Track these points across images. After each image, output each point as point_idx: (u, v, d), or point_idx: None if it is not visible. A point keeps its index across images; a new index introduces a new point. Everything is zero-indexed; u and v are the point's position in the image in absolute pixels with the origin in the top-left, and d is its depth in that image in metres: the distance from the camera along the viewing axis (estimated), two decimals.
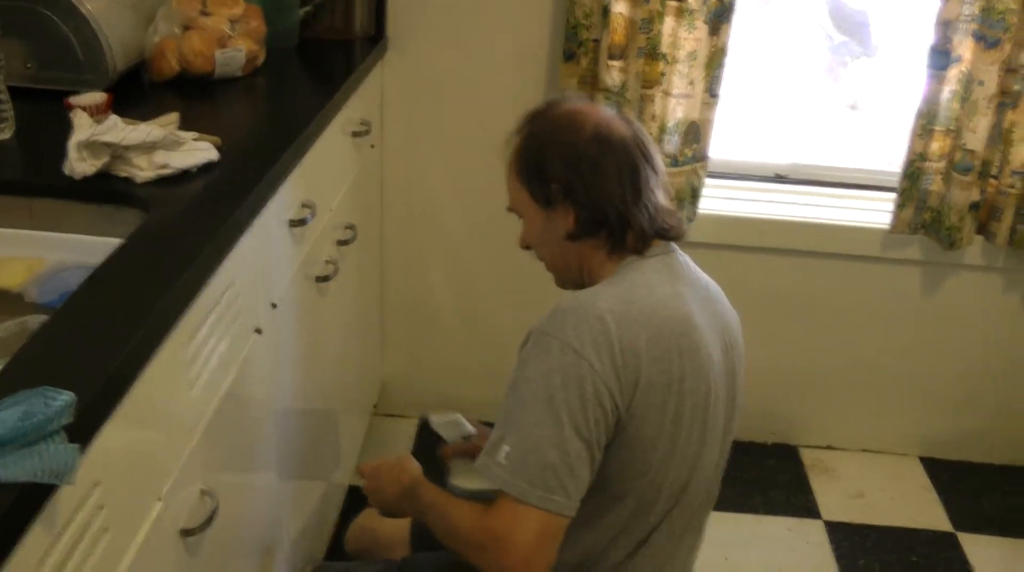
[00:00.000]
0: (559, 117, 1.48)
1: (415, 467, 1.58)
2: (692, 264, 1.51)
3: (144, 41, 1.96)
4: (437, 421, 1.77)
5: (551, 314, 1.36)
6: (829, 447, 2.91)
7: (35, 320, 1.22)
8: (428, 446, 1.80)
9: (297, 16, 2.27)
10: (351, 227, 2.15)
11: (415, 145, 2.57)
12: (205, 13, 2.00)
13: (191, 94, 1.96)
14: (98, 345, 1.06)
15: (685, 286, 1.44)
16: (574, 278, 1.51)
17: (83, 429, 0.95)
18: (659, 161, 1.47)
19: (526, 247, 1.54)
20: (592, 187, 1.42)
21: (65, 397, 0.91)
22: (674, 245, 1.49)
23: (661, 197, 1.46)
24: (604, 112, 1.48)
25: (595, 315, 1.33)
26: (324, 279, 1.94)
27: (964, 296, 2.66)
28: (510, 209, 1.54)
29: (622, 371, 1.31)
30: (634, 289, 1.38)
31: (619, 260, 1.45)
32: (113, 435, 1.03)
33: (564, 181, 1.43)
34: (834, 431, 2.91)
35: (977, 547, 2.56)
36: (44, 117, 1.73)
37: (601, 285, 1.42)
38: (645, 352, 1.32)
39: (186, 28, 1.97)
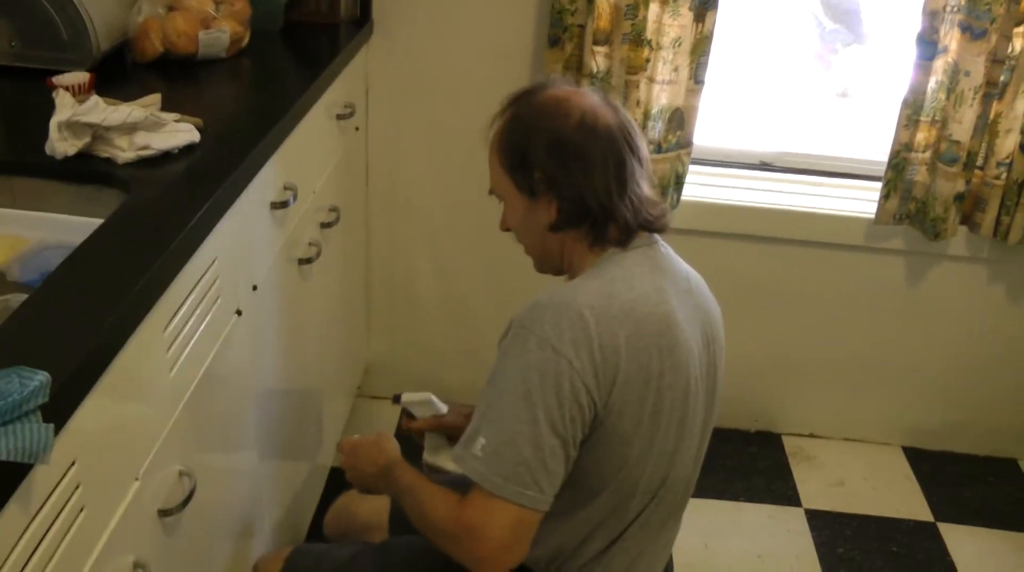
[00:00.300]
0: (544, 102, 1.43)
1: (394, 447, 1.58)
2: (674, 256, 1.50)
3: (128, 21, 1.95)
4: (408, 400, 1.78)
5: (531, 308, 1.35)
6: (811, 435, 2.92)
7: (16, 299, 1.21)
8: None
9: None
10: (335, 210, 2.15)
11: (400, 128, 2.57)
12: None
13: (175, 75, 1.95)
14: (76, 325, 1.06)
15: (666, 280, 1.43)
16: (554, 265, 1.50)
17: (59, 408, 0.96)
18: (644, 150, 1.45)
19: (506, 229, 1.53)
20: (576, 179, 1.39)
21: (40, 377, 0.91)
22: (657, 236, 1.48)
23: (646, 188, 1.44)
24: (591, 99, 1.43)
25: (575, 311, 1.32)
26: (307, 261, 1.94)
27: (948, 287, 2.67)
28: (492, 192, 1.52)
29: (600, 368, 1.30)
30: (614, 284, 1.37)
31: (600, 252, 1.43)
32: (90, 414, 1.04)
33: (547, 171, 1.40)
34: (816, 419, 2.92)
35: (958, 537, 2.57)
36: (27, 96, 1.73)
37: (581, 278, 1.41)
38: (624, 348, 1.32)
39: (170, 9, 1.96)
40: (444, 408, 1.77)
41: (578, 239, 1.44)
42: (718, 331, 1.51)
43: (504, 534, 1.29)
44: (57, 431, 0.94)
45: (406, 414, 1.80)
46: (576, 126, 1.39)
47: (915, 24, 2.32)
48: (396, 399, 1.79)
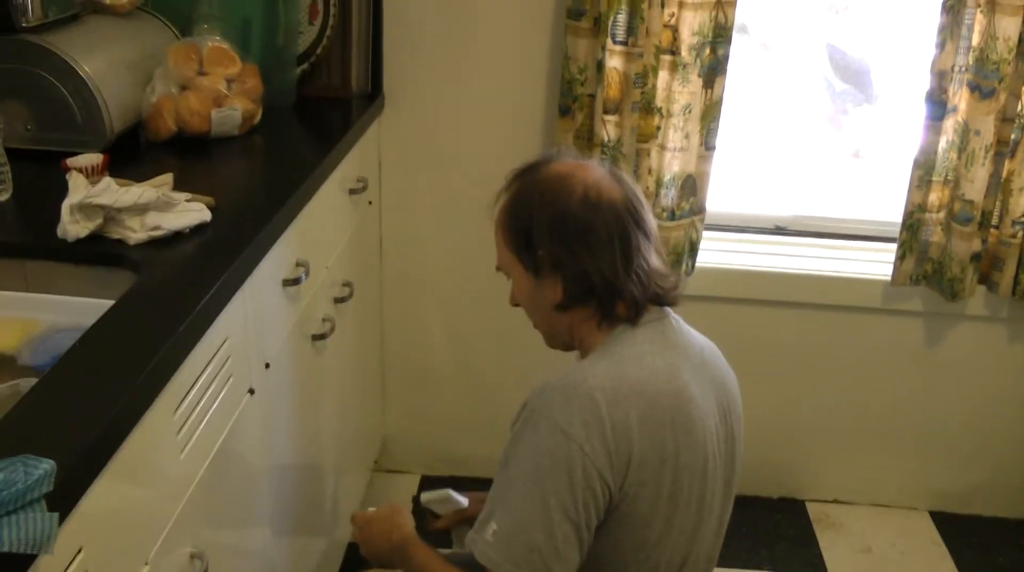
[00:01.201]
0: (547, 179, 1.42)
1: (407, 522, 1.56)
2: (687, 327, 1.47)
3: (142, 101, 1.97)
4: (428, 499, 1.80)
5: (541, 391, 1.34)
6: (836, 501, 2.87)
7: (27, 383, 1.21)
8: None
9: (294, 75, 2.29)
10: (348, 284, 2.15)
11: (413, 201, 2.58)
12: (202, 73, 2.02)
13: (188, 153, 1.97)
14: (84, 410, 1.05)
15: (678, 355, 1.40)
16: (563, 341, 1.49)
17: (66, 495, 0.95)
18: (651, 223, 1.43)
19: (515, 305, 1.52)
20: (580, 258, 1.37)
21: (45, 465, 0.90)
22: (668, 309, 1.45)
23: (654, 260, 1.42)
24: (595, 173, 1.42)
25: (584, 394, 1.30)
26: (321, 337, 1.94)
27: (968, 347, 2.64)
28: (499, 268, 1.51)
29: (613, 451, 1.28)
30: (625, 364, 1.35)
31: (609, 330, 1.41)
32: (98, 500, 1.02)
33: (551, 251, 1.39)
34: (840, 484, 2.87)
35: None
36: (43, 178, 1.74)
37: (591, 359, 1.39)
38: (637, 429, 1.30)
39: (183, 88, 1.98)
40: (464, 501, 1.78)
41: (586, 318, 1.42)
42: (735, 401, 1.49)
43: None
44: (63, 519, 0.93)
45: (430, 513, 1.80)
46: (579, 203, 1.37)
47: (924, 83, 2.32)
48: (416, 500, 1.78)
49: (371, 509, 1.65)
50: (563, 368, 1.38)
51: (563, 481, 1.27)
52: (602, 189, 1.39)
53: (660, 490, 1.33)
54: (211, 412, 1.37)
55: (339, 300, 2.09)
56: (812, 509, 2.84)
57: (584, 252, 1.37)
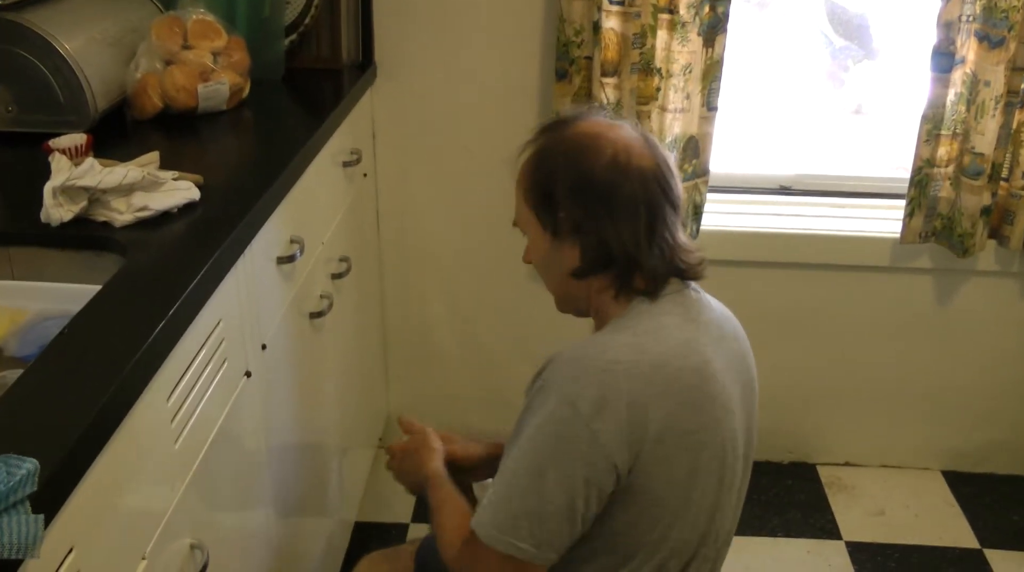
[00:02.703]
0: (575, 137, 1.35)
1: (435, 458, 1.57)
2: (708, 299, 1.41)
3: (126, 78, 1.91)
4: (477, 488, 1.75)
5: (556, 361, 1.28)
6: (847, 464, 2.84)
7: (13, 375, 1.16)
8: None
9: (282, 46, 2.23)
10: (345, 259, 2.10)
11: (409, 172, 2.53)
12: (187, 47, 1.96)
13: (175, 131, 1.92)
14: (71, 402, 1.00)
15: (699, 330, 1.34)
16: (576, 308, 1.43)
17: (53, 494, 0.90)
18: (679, 192, 1.35)
19: (528, 262, 1.44)
20: (602, 224, 1.30)
21: (28, 465, 0.85)
22: (690, 282, 1.38)
23: (680, 234, 1.35)
24: (626, 135, 1.33)
25: (601, 367, 1.25)
26: (319, 315, 1.89)
27: (979, 303, 2.59)
28: (515, 225, 1.43)
29: (626, 427, 1.23)
30: (643, 337, 1.29)
31: (627, 302, 1.34)
32: (88, 497, 0.98)
33: (572, 213, 1.32)
34: (852, 447, 2.83)
35: (1006, 564, 2.47)
36: (26, 162, 1.69)
37: (608, 331, 1.33)
38: (655, 406, 1.24)
39: (168, 63, 1.93)
40: None
41: (603, 288, 1.36)
42: (753, 374, 1.44)
43: None
44: (50, 519, 0.88)
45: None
46: (606, 167, 1.30)
47: (927, 37, 2.26)
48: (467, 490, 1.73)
49: (404, 438, 1.65)
50: (579, 339, 1.33)
51: (564, 455, 1.23)
52: (632, 154, 1.31)
53: (676, 468, 1.28)
54: (206, 398, 1.33)
55: (336, 276, 2.05)
56: (824, 473, 2.80)
57: (607, 218, 1.30)
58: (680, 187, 1.36)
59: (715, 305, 1.42)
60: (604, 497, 1.26)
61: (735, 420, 1.34)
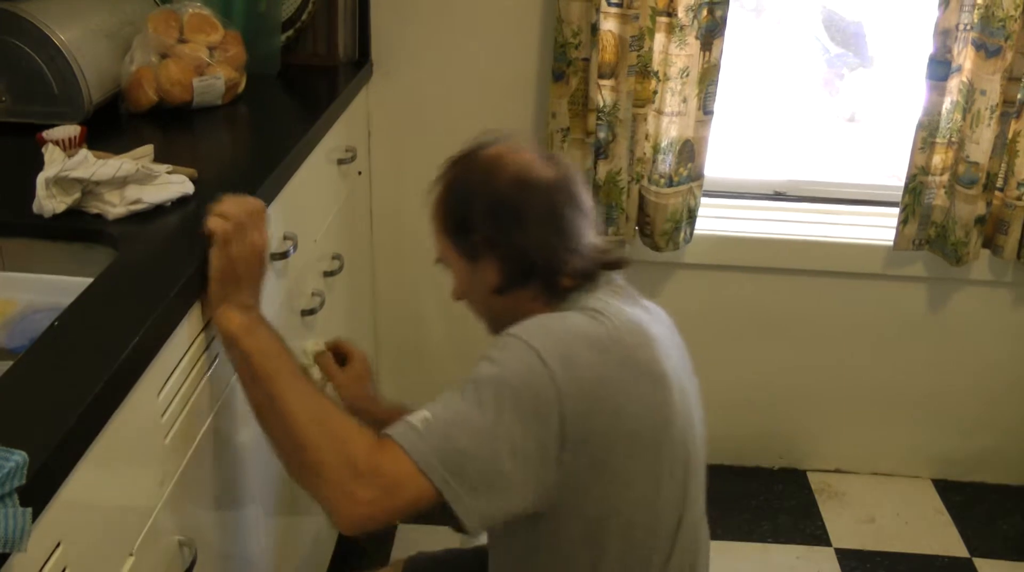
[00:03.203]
0: (480, 162, 1.42)
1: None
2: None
3: (120, 71, 1.90)
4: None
5: (515, 327, 1.30)
6: (838, 470, 2.84)
7: (2, 367, 1.15)
8: None
9: (278, 42, 2.21)
10: (338, 257, 2.09)
11: (404, 171, 2.52)
12: (182, 40, 1.95)
13: (169, 124, 1.90)
14: (60, 395, 0.99)
15: (641, 309, 1.39)
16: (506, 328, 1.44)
17: (41, 487, 0.89)
18: (587, 202, 1.42)
19: (459, 298, 1.49)
20: (514, 237, 1.36)
21: (17, 457, 0.84)
22: (614, 275, 1.44)
23: (592, 237, 1.41)
24: (527, 155, 1.41)
25: (562, 330, 1.28)
26: (310, 312, 1.88)
27: (972, 312, 2.60)
28: (438, 261, 1.49)
29: (588, 392, 1.23)
30: (596, 315, 1.31)
31: (560, 303, 1.39)
32: (77, 491, 0.96)
33: (485, 232, 1.38)
34: (842, 454, 2.83)
35: None
36: (18, 153, 1.68)
37: (560, 312, 1.36)
38: (617, 378, 1.26)
39: (163, 56, 1.91)
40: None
41: (531, 299, 1.39)
42: (688, 359, 1.47)
43: (401, 504, 1.19)
44: (38, 513, 0.87)
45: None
46: (510, 183, 1.37)
47: (923, 45, 2.27)
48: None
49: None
50: (539, 315, 1.35)
51: (524, 401, 1.21)
52: (533, 169, 1.39)
53: (642, 442, 1.28)
54: (197, 392, 1.31)
55: (329, 274, 2.04)
56: (814, 479, 2.80)
57: (517, 230, 1.36)
58: (588, 195, 1.43)
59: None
60: (543, 461, 1.24)
61: (690, 402, 1.37)
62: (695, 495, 1.39)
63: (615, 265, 1.43)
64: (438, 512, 1.21)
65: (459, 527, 1.23)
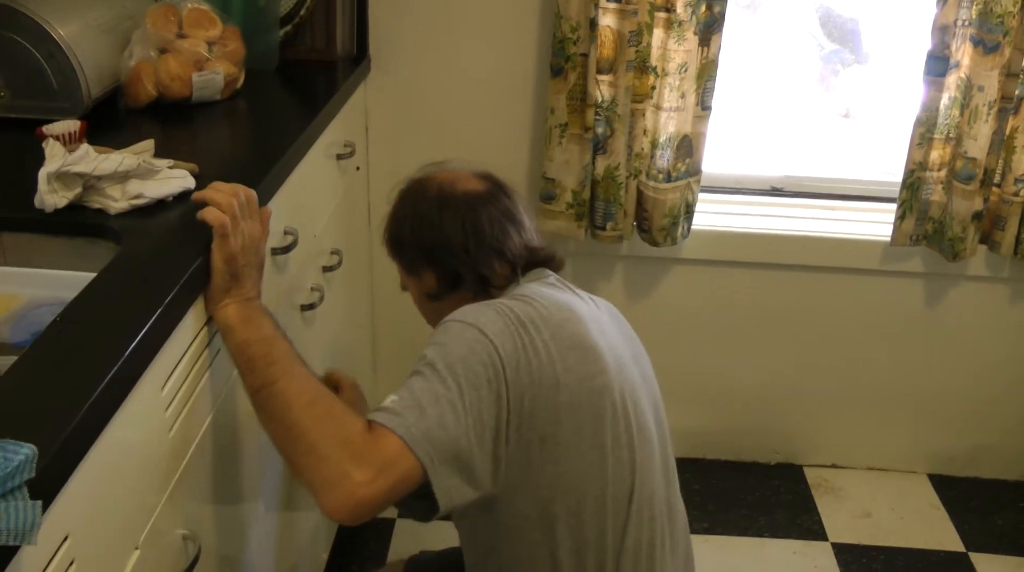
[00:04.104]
0: (412, 187, 1.58)
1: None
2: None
3: (120, 66, 1.90)
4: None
5: (456, 311, 1.36)
6: (834, 466, 2.84)
7: (5, 362, 1.15)
8: None
9: (277, 37, 2.21)
10: (337, 253, 2.09)
11: (402, 166, 2.46)
12: (181, 35, 1.94)
13: (169, 119, 1.90)
14: (66, 389, 0.99)
15: (575, 295, 1.47)
16: None
17: (49, 481, 0.89)
18: (520, 212, 1.53)
19: (420, 311, 1.62)
20: (439, 246, 1.49)
21: (26, 450, 0.84)
22: (547, 272, 1.51)
23: (521, 240, 1.50)
24: (456, 173, 1.55)
25: (496, 310, 1.33)
26: (309, 307, 1.88)
27: (969, 308, 2.60)
28: (403, 288, 1.63)
29: (524, 360, 1.28)
30: (526, 298, 1.38)
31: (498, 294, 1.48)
32: (83, 484, 0.97)
33: (417, 246, 1.52)
34: (839, 449, 2.84)
35: (991, 568, 2.48)
36: (18, 147, 1.68)
37: (497, 299, 1.41)
38: (553, 351, 1.30)
39: (162, 51, 1.91)
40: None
41: (466, 301, 1.43)
42: (642, 349, 1.53)
43: (392, 484, 1.19)
44: (47, 506, 0.87)
45: None
46: (433, 198, 1.52)
47: (920, 41, 2.27)
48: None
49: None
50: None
51: (478, 373, 1.25)
52: (457, 183, 1.53)
53: (583, 414, 1.31)
54: (200, 386, 1.32)
55: (328, 269, 2.04)
56: (810, 474, 2.81)
57: (440, 239, 1.49)
58: (522, 206, 1.56)
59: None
60: (490, 437, 1.26)
61: (633, 374, 1.41)
62: (648, 466, 1.39)
63: (548, 262, 1.52)
64: (405, 497, 1.24)
65: (418, 513, 1.28)
